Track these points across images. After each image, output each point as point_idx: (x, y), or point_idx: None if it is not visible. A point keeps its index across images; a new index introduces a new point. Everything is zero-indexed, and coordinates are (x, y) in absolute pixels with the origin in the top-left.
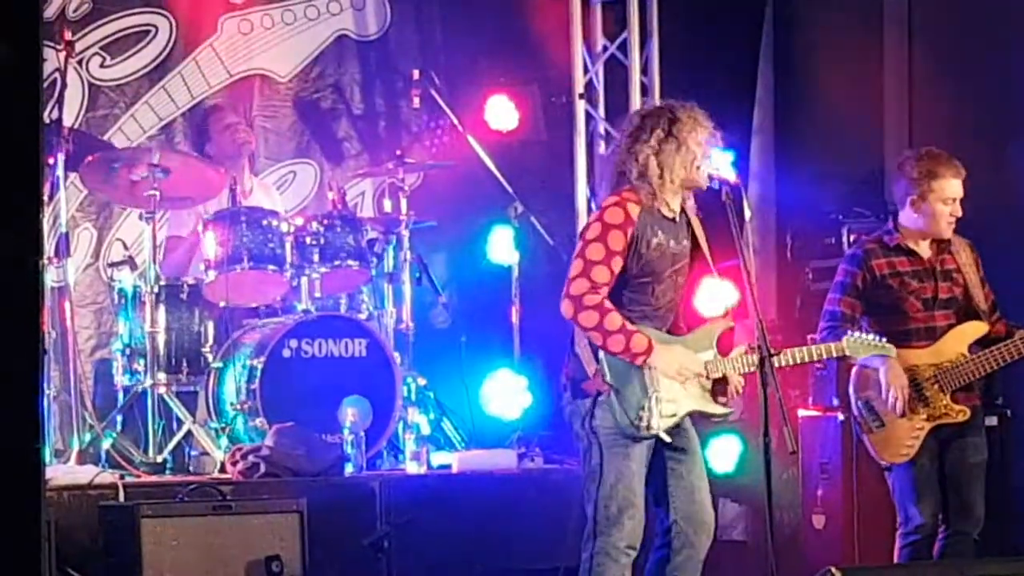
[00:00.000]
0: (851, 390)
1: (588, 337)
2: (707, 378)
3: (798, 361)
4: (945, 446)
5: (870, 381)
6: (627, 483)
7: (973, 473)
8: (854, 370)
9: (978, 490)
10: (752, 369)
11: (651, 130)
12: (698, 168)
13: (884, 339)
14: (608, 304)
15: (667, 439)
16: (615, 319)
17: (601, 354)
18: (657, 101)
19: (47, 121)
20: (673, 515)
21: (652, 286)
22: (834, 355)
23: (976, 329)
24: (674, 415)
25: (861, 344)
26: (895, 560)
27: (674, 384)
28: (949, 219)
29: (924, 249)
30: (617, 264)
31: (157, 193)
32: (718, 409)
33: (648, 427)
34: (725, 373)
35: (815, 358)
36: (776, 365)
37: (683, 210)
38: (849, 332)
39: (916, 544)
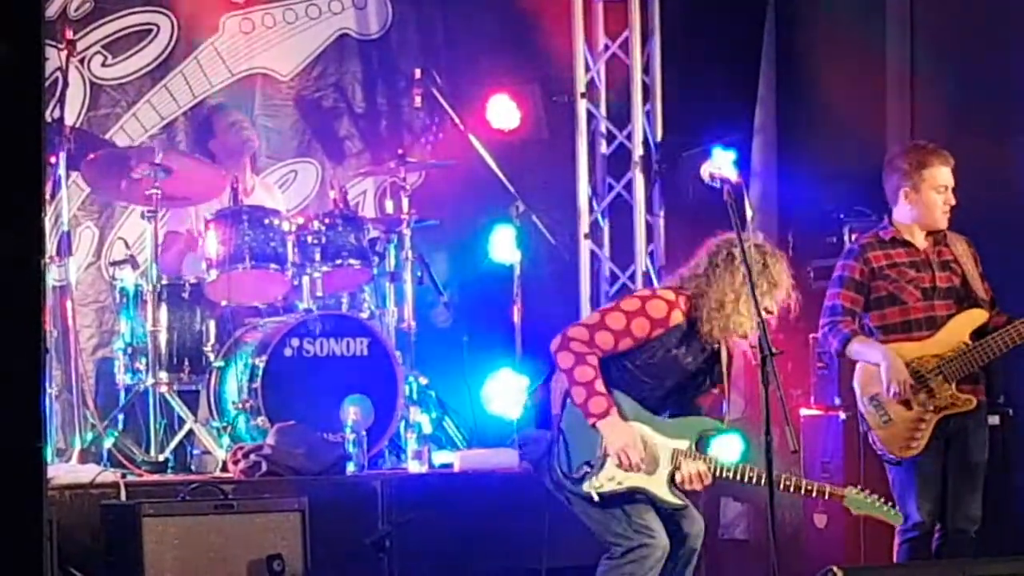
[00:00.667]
0: (856, 386)
1: (561, 377)
2: (672, 465)
3: (798, 489)
4: (948, 444)
5: (875, 377)
6: (636, 499)
7: (973, 473)
8: (858, 366)
9: (976, 489)
10: (726, 475)
11: (736, 273)
12: (752, 322)
13: (887, 503)
14: (592, 360)
15: (596, 499)
16: (587, 373)
17: (568, 402)
18: (757, 240)
19: (49, 120)
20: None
21: (650, 384)
22: (826, 497)
23: (977, 317)
24: (617, 483)
25: (863, 502)
26: (894, 558)
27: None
28: (943, 208)
29: (920, 241)
30: (625, 345)
31: (158, 191)
32: (668, 497)
33: (579, 483)
34: (690, 465)
35: (812, 494)
36: (788, 486)
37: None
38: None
39: (914, 541)
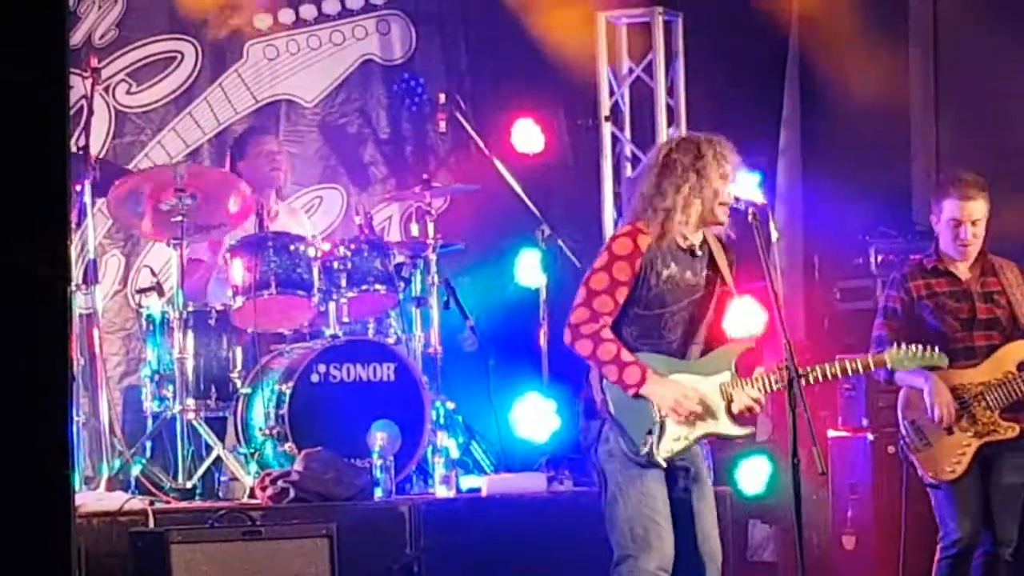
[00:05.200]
0: (899, 410)
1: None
2: (725, 399)
3: (837, 374)
4: (987, 465)
5: (915, 402)
6: (649, 503)
7: (1008, 495)
8: (901, 392)
9: (1012, 511)
10: (776, 387)
11: (675, 167)
12: (718, 206)
13: (926, 349)
14: (606, 333)
15: (663, 466)
16: (609, 349)
17: (604, 383)
18: (683, 132)
19: (74, 148)
20: (682, 545)
21: (663, 319)
22: (872, 367)
23: None
24: (684, 439)
25: (906, 356)
26: (933, 574)
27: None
28: (959, 241)
29: (963, 271)
30: (622, 294)
31: (183, 219)
32: (735, 430)
33: (649, 455)
34: (740, 394)
35: (852, 372)
36: (817, 377)
37: (705, 240)
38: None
39: (952, 559)
